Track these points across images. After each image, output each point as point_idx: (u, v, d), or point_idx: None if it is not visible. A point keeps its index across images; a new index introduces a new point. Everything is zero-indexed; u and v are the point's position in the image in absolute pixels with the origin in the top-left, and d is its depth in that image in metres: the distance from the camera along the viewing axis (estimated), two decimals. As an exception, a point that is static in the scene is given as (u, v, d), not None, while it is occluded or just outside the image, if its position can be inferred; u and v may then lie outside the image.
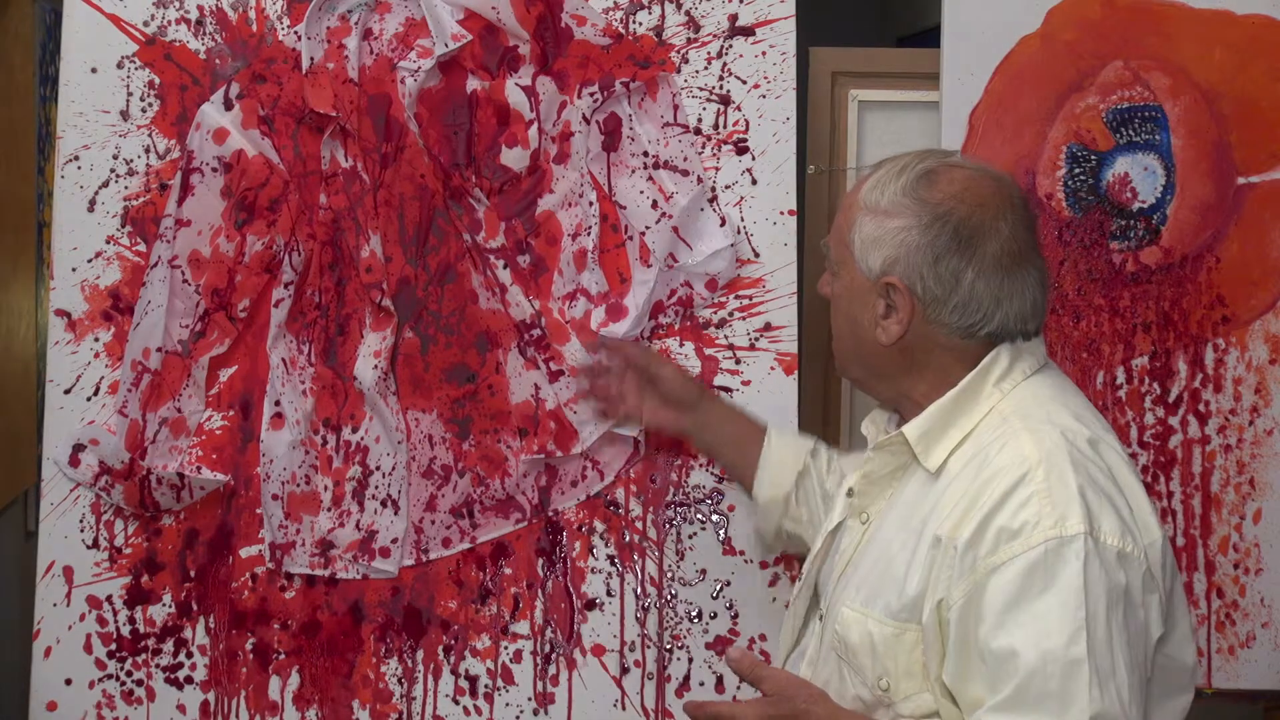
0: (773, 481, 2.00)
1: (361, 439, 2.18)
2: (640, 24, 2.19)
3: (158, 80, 2.17)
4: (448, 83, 2.18)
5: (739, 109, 2.20)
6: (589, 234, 2.17)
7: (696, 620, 2.19)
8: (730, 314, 2.20)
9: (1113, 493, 1.48)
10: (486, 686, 2.19)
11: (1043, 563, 1.41)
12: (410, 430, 2.18)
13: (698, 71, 2.20)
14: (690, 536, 2.20)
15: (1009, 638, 1.41)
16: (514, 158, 2.17)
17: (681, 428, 2.07)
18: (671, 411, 2.06)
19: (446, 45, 2.14)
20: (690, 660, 2.19)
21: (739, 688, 2.18)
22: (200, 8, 2.17)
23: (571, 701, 2.19)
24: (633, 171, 2.19)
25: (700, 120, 2.20)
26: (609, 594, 2.19)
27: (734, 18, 2.20)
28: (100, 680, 2.16)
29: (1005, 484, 1.46)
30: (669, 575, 2.20)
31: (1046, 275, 1.61)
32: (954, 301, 1.55)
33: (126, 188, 2.17)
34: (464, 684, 2.19)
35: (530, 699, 2.19)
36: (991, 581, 1.43)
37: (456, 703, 2.19)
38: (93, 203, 2.16)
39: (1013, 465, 1.47)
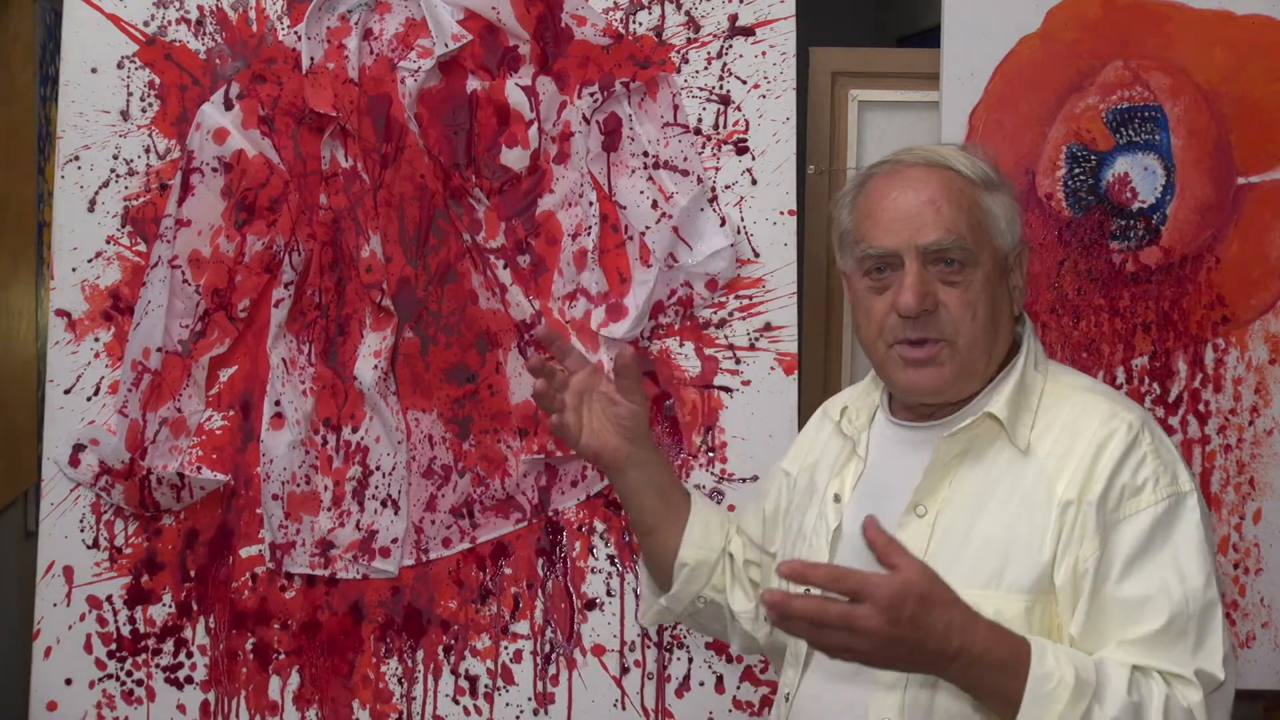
0: (699, 544, 1.82)
1: (361, 439, 2.18)
2: (640, 24, 2.19)
3: (158, 80, 2.17)
4: (448, 83, 2.18)
5: (739, 109, 2.20)
6: (589, 234, 2.16)
7: (696, 620, 2.19)
8: (730, 314, 2.19)
9: (1181, 455, 1.59)
10: (486, 686, 2.19)
11: (1165, 517, 1.50)
12: (410, 430, 2.18)
13: (698, 71, 2.20)
14: (690, 536, 2.19)
15: (1136, 588, 1.49)
16: (514, 158, 2.17)
17: (619, 457, 1.80)
18: (616, 438, 1.79)
19: (446, 45, 2.14)
20: (690, 660, 2.19)
21: (738, 688, 2.18)
22: (200, 8, 2.17)
23: (571, 701, 2.19)
24: (633, 171, 2.18)
25: (700, 120, 2.20)
26: (609, 594, 2.19)
27: (734, 18, 2.20)
28: (100, 680, 2.16)
29: (1121, 445, 1.54)
30: (669, 575, 2.19)
31: None
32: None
33: (126, 188, 2.16)
34: (464, 684, 2.19)
35: (530, 699, 2.19)
36: (1118, 534, 1.51)
37: (456, 703, 2.19)
38: (93, 203, 2.16)
39: (1123, 428, 1.55)
